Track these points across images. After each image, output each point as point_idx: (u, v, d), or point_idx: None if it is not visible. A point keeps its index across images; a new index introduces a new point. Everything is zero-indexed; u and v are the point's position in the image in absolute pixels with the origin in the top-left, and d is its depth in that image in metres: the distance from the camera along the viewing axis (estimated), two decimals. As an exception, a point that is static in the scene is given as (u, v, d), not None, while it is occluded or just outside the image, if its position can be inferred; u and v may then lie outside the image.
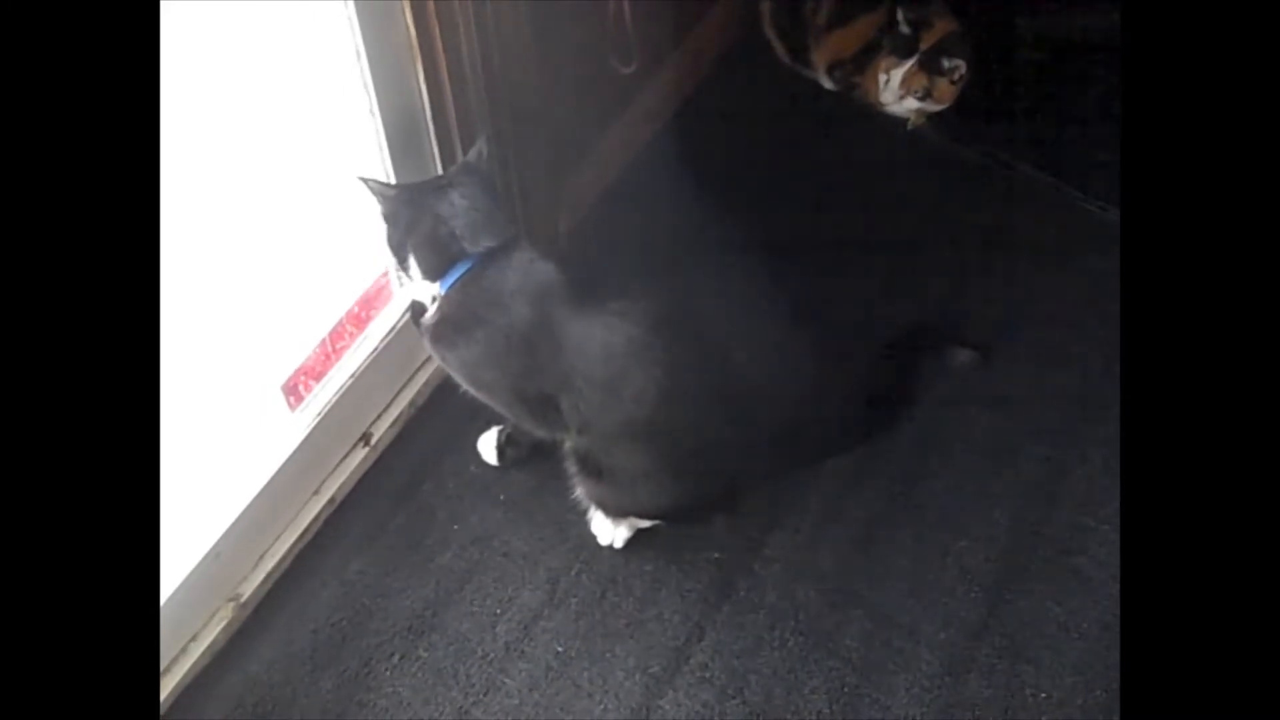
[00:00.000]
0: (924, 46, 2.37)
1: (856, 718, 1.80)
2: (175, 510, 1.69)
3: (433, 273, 1.67)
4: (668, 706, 1.82)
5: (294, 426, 1.90)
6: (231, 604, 1.88)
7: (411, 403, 2.09)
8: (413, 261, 1.68)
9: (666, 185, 2.30)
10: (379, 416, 2.07)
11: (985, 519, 1.98)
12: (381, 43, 1.66)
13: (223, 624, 1.86)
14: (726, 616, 1.90)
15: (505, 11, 1.78)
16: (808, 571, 1.94)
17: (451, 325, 1.69)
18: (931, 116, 2.49)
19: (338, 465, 2.02)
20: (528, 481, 2.03)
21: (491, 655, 1.87)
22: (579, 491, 1.87)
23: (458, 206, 1.64)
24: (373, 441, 2.05)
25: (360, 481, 2.04)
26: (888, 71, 2.42)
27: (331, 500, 1.99)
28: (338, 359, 1.96)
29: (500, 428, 2.02)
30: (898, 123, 2.52)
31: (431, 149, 1.85)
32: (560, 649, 1.87)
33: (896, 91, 2.43)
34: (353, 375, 1.96)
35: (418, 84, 1.76)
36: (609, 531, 1.94)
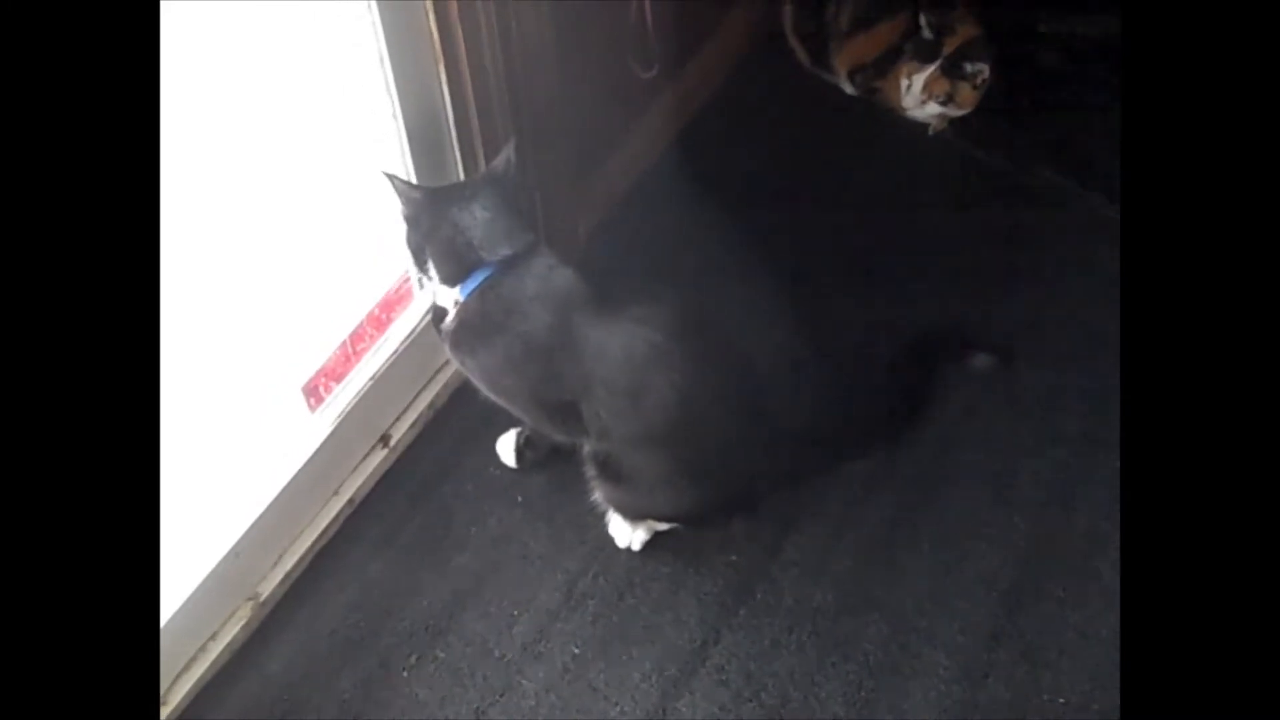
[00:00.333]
0: (946, 51, 2.37)
1: (873, 722, 1.80)
2: (195, 510, 1.71)
3: (450, 279, 1.68)
4: (684, 709, 1.82)
5: (314, 427, 1.91)
6: (250, 603, 1.88)
7: (431, 404, 2.10)
8: (431, 266, 1.69)
9: (687, 189, 2.30)
10: (398, 418, 2.08)
11: (1003, 523, 1.97)
12: (404, 46, 1.67)
13: (241, 623, 1.87)
14: (743, 619, 1.90)
15: (527, 15, 1.79)
16: (825, 575, 1.94)
17: (471, 331, 1.70)
18: (953, 121, 2.49)
19: (357, 466, 2.02)
20: (546, 484, 2.03)
21: (508, 656, 1.87)
22: (597, 494, 1.87)
23: (478, 218, 1.65)
24: (392, 443, 2.05)
25: (379, 483, 2.04)
26: (909, 76, 2.42)
27: (350, 501, 2.00)
28: (358, 361, 1.96)
29: (519, 430, 2.02)
30: (919, 127, 2.51)
31: (453, 152, 1.86)
32: (577, 651, 1.88)
33: (918, 96, 2.42)
34: (372, 377, 1.97)
35: (440, 87, 1.77)
36: (627, 534, 1.94)
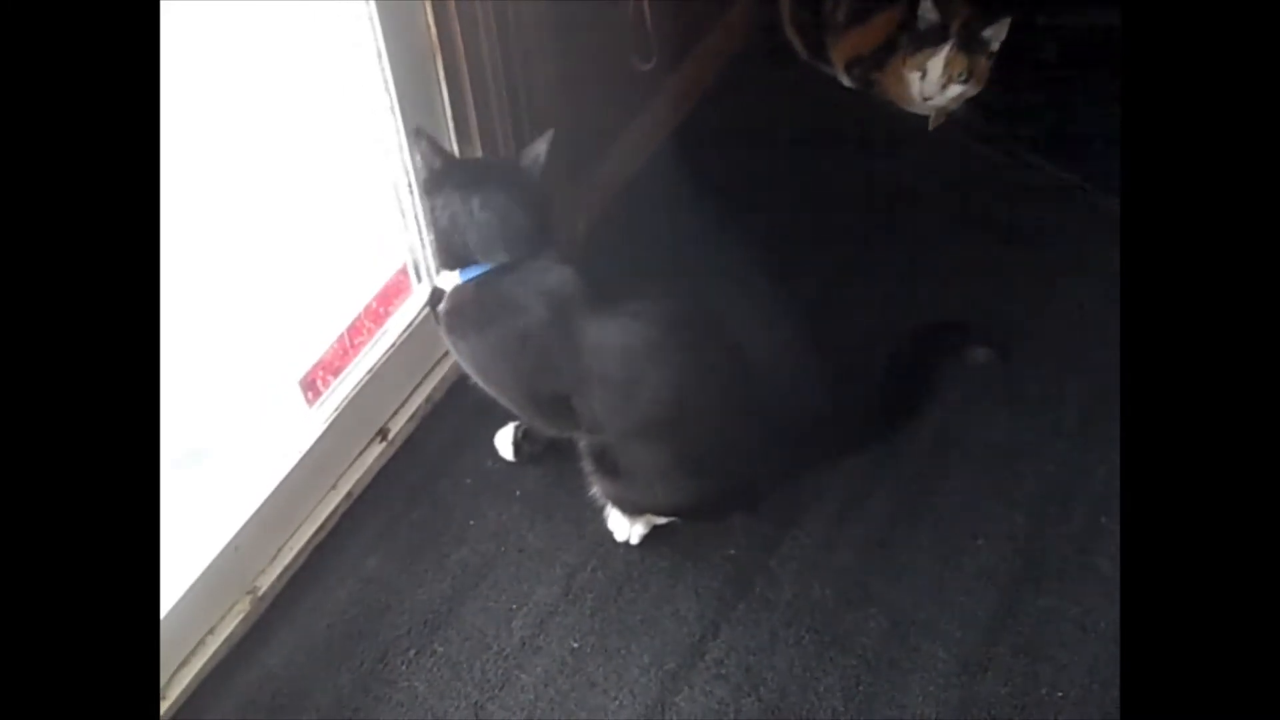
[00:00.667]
0: (956, 28, 2.34)
1: (872, 716, 1.80)
2: (194, 504, 1.71)
3: (447, 266, 1.68)
4: (683, 703, 1.82)
5: (312, 421, 1.91)
6: (249, 597, 1.88)
7: (429, 398, 2.10)
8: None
9: (684, 183, 2.30)
10: (396, 412, 2.08)
11: (1003, 518, 1.98)
12: (402, 42, 1.67)
13: (240, 617, 1.87)
14: (742, 613, 1.90)
15: (525, 10, 1.78)
16: (824, 569, 1.94)
17: (465, 318, 1.69)
18: (952, 114, 2.48)
19: (355, 460, 2.02)
20: (544, 477, 2.03)
21: (507, 650, 1.87)
22: (595, 489, 1.87)
23: (477, 218, 1.61)
24: (390, 437, 2.05)
25: (377, 476, 2.04)
26: (923, 65, 2.37)
27: (349, 495, 2.00)
28: (355, 354, 1.96)
29: (517, 424, 2.02)
30: (918, 120, 2.51)
31: (451, 147, 1.85)
32: (576, 645, 1.88)
33: (938, 81, 2.37)
34: (370, 371, 1.97)
35: (438, 82, 1.77)
36: (625, 528, 1.94)
